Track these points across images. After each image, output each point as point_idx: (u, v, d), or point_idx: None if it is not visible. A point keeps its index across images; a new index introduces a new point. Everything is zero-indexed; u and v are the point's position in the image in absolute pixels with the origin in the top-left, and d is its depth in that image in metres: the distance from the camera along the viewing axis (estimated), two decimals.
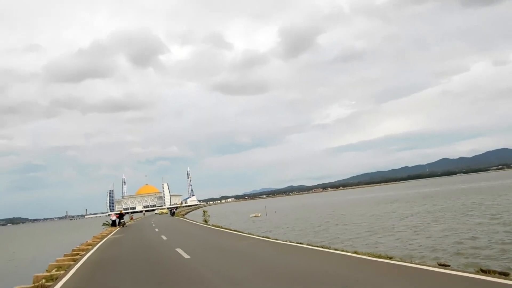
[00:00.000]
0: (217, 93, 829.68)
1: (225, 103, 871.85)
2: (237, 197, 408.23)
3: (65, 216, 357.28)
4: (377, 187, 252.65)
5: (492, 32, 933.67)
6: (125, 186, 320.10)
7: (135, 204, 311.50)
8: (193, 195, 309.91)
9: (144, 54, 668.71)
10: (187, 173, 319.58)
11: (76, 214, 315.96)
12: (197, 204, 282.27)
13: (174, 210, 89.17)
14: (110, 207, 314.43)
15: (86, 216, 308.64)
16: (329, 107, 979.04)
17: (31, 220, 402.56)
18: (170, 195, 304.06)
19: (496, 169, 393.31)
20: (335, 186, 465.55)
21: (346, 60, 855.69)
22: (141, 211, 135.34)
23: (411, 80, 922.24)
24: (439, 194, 61.42)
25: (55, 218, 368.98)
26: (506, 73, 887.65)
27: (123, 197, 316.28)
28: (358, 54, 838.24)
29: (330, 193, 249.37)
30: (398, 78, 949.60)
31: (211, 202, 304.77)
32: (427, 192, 76.54)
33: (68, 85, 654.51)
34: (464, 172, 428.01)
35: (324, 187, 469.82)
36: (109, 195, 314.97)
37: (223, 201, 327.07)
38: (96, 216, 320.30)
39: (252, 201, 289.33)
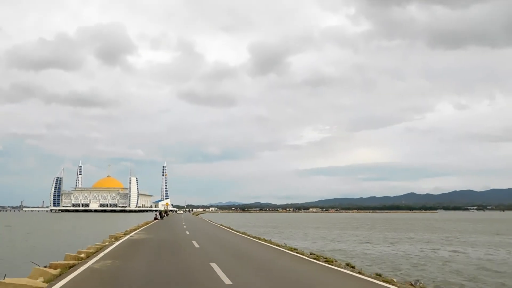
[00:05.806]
0: (185, 102, 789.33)
1: (193, 112, 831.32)
2: (204, 207, 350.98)
3: (19, 206, 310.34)
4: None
5: (456, 77, 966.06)
6: (80, 176, 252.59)
7: (89, 199, 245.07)
8: (167, 198, 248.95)
9: (114, 52, 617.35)
10: (163, 169, 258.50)
11: (33, 205, 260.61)
12: (186, 210, 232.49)
13: (164, 214, 71.83)
14: (54, 200, 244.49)
15: (25, 209, 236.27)
16: (302, 129, 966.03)
17: None
18: (138, 194, 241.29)
19: (477, 210, 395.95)
20: (304, 207, 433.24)
21: (315, 85, 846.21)
22: (161, 211, 76.65)
23: (380, 113, 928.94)
24: None
25: (8, 206, 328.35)
26: (468, 118, 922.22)
27: (75, 188, 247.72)
28: (328, 80, 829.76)
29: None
30: (368, 109, 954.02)
31: (201, 210, 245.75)
32: None
33: (31, 73, 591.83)
34: (444, 209, 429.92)
35: (293, 207, 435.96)
36: (55, 184, 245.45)
37: (206, 209, 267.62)
38: (32, 210, 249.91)
39: (244, 213, 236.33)
